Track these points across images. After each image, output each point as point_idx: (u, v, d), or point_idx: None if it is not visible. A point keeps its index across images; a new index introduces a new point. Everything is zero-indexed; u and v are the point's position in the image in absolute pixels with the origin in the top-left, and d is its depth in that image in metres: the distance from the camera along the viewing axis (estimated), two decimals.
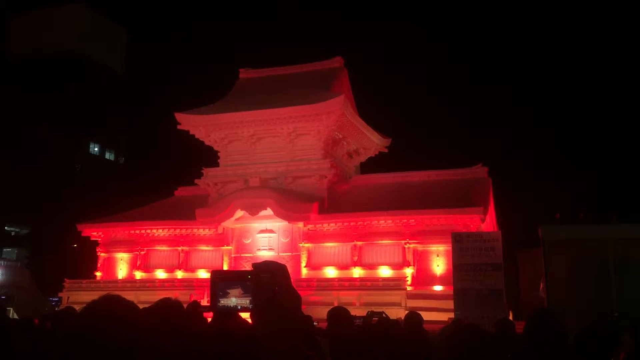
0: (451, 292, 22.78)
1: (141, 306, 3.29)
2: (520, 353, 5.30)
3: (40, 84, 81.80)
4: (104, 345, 2.18)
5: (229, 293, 2.41)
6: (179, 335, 2.85)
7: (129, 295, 2.57)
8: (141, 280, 43.47)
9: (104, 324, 2.22)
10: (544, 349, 4.98)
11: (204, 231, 43.55)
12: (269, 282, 1.99)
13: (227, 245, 42.88)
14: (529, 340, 5.17)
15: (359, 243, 39.95)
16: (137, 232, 44.98)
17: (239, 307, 2.41)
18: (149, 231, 44.91)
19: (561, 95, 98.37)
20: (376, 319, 9.92)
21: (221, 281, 2.45)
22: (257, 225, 42.42)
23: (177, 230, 44.28)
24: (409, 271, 38.38)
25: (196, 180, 45.17)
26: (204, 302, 34.48)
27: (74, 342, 2.20)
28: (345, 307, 7.12)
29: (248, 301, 2.34)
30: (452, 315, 21.66)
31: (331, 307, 6.92)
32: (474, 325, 3.86)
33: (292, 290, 2.01)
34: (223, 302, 2.42)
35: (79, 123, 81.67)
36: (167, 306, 3.11)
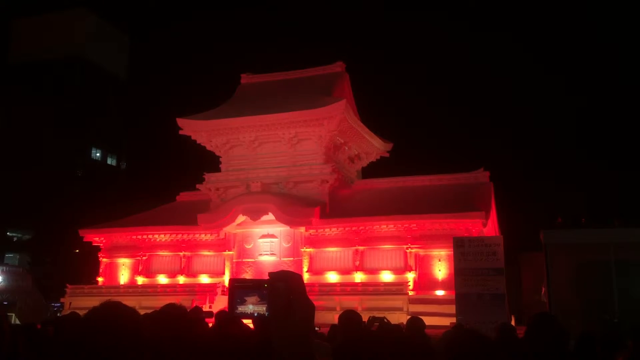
0: (453, 296, 22.77)
1: (143, 312, 3.31)
2: (522, 357, 5.31)
3: (41, 87, 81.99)
4: (104, 351, 2.19)
5: (246, 300, 2.44)
6: (182, 341, 2.88)
7: (131, 301, 2.60)
8: (143, 286, 43.45)
9: (105, 330, 2.23)
10: (545, 352, 4.99)
11: (205, 236, 43.55)
12: (284, 290, 2.02)
13: (228, 251, 42.86)
14: (531, 344, 5.18)
15: (361, 248, 39.93)
16: (139, 237, 44.99)
17: (256, 314, 2.44)
18: (150, 236, 44.92)
19: (562, 98, 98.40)
20: (377, 324, 9.92)
21: (239, 289, 2.47)
22: (258, 230, 42.42)
23: (179, 236, 44.28)
24: (410, 276, 38.33)
25: (198, 186, 45.19)
26: (206, 307, 34.48)
27: (75, 348, 2.22)
28: (355, 311, 7.10)
29: (265, 308, 2.37)
30: (454, 320, 21.64)
31: (333, 312, 6.95)
32: (473, 329, 3.87)
33: (307, 298, 2.03)
34: (241, 309, 2.45)
35: (81, 127, 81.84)
36: (171, 312, 3.12)
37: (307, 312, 2.03)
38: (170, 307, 3.14)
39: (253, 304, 2.40)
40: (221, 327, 2.69)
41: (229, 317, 2.49)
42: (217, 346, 2.51)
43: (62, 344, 2.35)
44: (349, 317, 6.51)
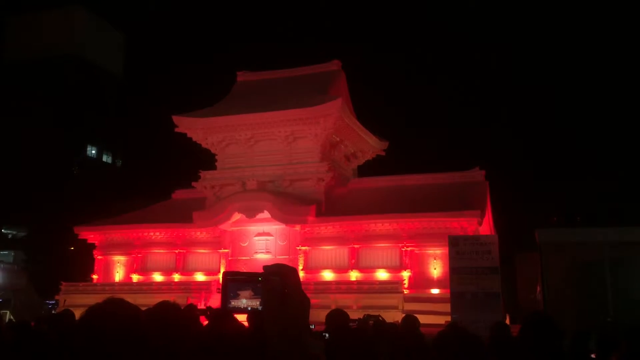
0: (448, 295, 22.80)
1: None
2: (516, 356, 5.32)
3: (38, 85, 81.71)
4: (109, 349, 2.19)
5: (239, 294, 2.42)
6: (174, 338, 2.87)
7: (126, 298, 2.58)
8: (138, 283, 43.39)
9: (109, 327, 2.23)
10: (539, 351, 5.00)
11: (201, 234, 43.51)
12: (279, 284, 2.01)
13: (224, 249, 42.82)
14: (525, 343, 5.19)
15: (356, 246, 39.94)
16: (134, 235, 44.90)
17: (249, 308, 2.42)
18: (146, 234, 44.84)
19: (559, 97, 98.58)
20: (372, 322, 9.97)
21: (232, 283, 2.45)
22: (254, 228, 42.40)
23: (174, 233, 44.21)
24: (406, 274, 38.38)
25: (193, 183, 45.13)
26: (201, 305, 34.42)
27: (79, 346, 2.21)
28: (342, 310, 7.19)
29: (258, 302, 2.35)
30: (449, 318, 21.67)
31: (329, 310, 6.99)
32: (464, 329, 3.88)
33: (302, 292, 2.03)
34: (234, 303, 2.43)
35: (77, 125, 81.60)
36: (165, 309, 3.11)
37: (302, 306, 2.03)
38: (162, 304, 3.13)
39: (246, 298, 2.38)
40: (214, 324, 2.69)
41: (222, 314, 2.48)
42: (210, 343, 2.51)
43: (66, 342, 2.34)
44: (334, 315, 6.64)
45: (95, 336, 2.20)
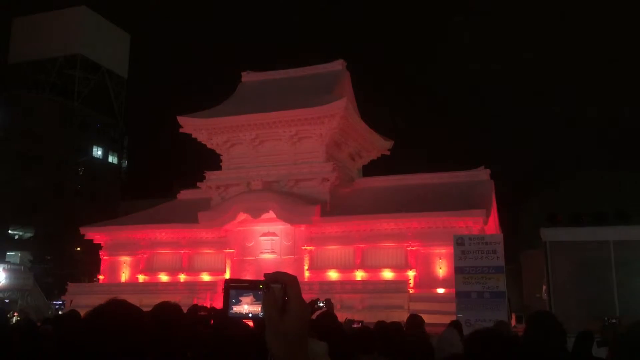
0: (453, 294, 22.80)
1: (144, 309, 3.31)
2: (520, 355, 5.33)
3: (43, 86, 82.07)
4: (110, 351, 2.20)
5: (241, 300, 2.44)
6: (176, 338, 2.89)
7: (132, 299, 2.60)
8: (144, 284, 43.45)
9: (110, 329, 2.24)
10: (543, 351, 5.01)
11: (206, 234, 43.55)
12: (280, 292, 2.03)
13: (229, 249, 42.88)
14: (529, 343, 5.20)
15: (362, 246, 39.93)
16: (140, 235, 44.99)
17: (250, 315, 2.44)
18: (151, 234, 44.93)
19: (560, 96, 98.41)
20: (357, 325, 10.05)
21: (234, 289, 2.47)
22: (259, 228, 42.43)
23: (180, 234, 44.28)
24: (411, 274, 38.35)
25: (198, 184, 45.20)
26: (208, 305, 34.45)
27: (79, 348, 2.23)
28: (347, 310, 7.22)
29: (259, 308, 2.37)
30: (454, 317, 21.65)
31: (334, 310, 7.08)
32: (494, 331, 3.89)
33: (302, 300, 2.05)
34: (236, 309, 2.45)
35: (82, 126, 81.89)
36: (165, 309, 3.13)
37: (303, 314, 2.05)
38: (163, 304, 3.14)
39: (248, 304, 2.41)
40: (218, 325, 2.71)
41: (226, 316, 2.50)
42: (213, 343, 2.52)
43: (65, 344, 2.36)
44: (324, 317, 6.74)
45: (96, 337, 2.21)
